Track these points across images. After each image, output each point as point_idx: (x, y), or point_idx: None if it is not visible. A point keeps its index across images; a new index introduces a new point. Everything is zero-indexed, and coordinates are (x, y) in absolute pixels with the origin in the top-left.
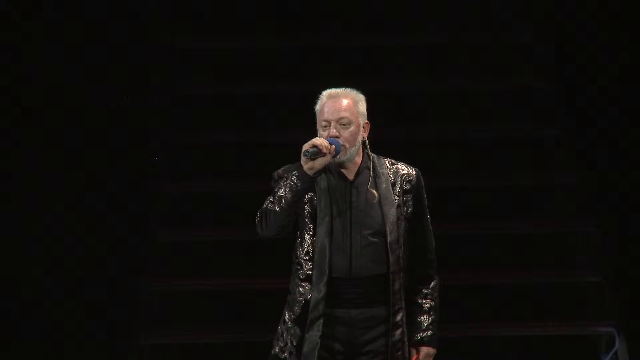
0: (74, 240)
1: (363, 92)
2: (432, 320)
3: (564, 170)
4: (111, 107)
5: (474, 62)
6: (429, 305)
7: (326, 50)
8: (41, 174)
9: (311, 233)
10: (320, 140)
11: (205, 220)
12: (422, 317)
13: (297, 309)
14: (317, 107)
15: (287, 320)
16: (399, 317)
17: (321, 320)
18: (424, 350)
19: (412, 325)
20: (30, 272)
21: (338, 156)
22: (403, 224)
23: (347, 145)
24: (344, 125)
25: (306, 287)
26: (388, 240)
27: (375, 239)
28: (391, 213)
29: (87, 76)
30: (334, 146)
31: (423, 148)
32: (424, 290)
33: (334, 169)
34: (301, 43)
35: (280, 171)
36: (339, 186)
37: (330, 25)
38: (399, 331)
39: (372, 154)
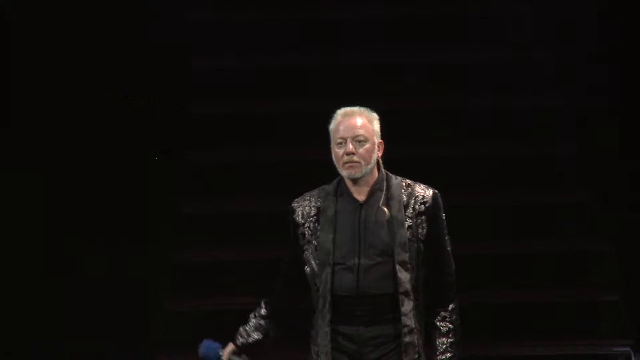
0: (91, 259)
1: (378, 111)
2: (450, 342)
3: (581, 189)
4: (132, 126)
5: (495, 80)
6: (446, 328)
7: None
8: (61, 196)
9: (315, 263)
10: None
11: (223, 240)
12: (440, 340)
13: (314, 335)
14: (332, 126)
15: (313, 355)
16: (409, 338)
17: (327, 345)
18: None
19: (432, 348)
20: (50, 291)
21: (353, 173)
22: (415, 245)
23: (363, 163)
24: (360, 142)
25: (318, 313)
26: (396, 261)
27: (382, 259)
28: (400, 234)
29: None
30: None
31: (443, 166)
32: (442, 313)
33: (345, 192)
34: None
35: (295, 204)
36: (349, 208)
37: (349, 43)
38: (412, 351)
39: (387, 174)
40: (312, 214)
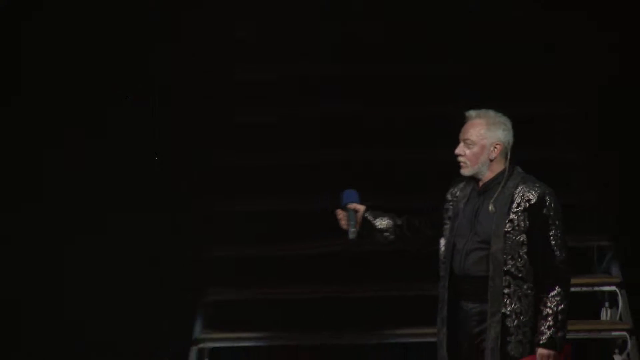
0: (127, 261)
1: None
2: (548, 325)
3: (585, 190)
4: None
5: (505, 89)
6: (546, 312)
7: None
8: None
9: (445, 241)
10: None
11: (253, 238)
12: (540, 322)
13: (439, 306)
14: None
15: (437, 317)
16: (497, 317)
17: (444, 315)
18: (539, 351)
19: (536, 329)
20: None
21: (462, 171)
22: (517, 237)
23: (469, 163)
24: (468, 144)
25: (441, 286)
26: (491, 249)
27: (481, 246)
28: (499, 226)
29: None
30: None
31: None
32: (544, 298)
33: (474, 182)
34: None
35: (453, 182)
36: (472, 196)
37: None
38: (497, 329)
39: (514, 171)
40: (456, 195)
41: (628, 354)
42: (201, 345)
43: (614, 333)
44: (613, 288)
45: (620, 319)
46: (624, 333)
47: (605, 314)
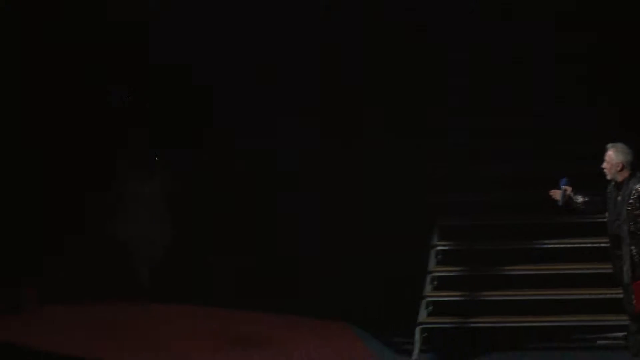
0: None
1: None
2: None
3: None
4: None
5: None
6: None
7: None
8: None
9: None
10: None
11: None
12: None
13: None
14: None
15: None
16: (628, 256)
17: (611, 255)
18: None
19: None
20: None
21: (606, 177)
22: (635, 212)
23: (607, 172)
24: (606, 162)
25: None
26: (621, 220)
27: (618, 218)
28: (624, 208)
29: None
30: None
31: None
32: None
33: (615, 183)
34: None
35: (609, 183)
36: (614, 191)
37: None
38: (628, 263)
39: (636, 175)
40: (609, 190)
41: None
42: (436, 249)
43: None
44: None
45: None
46: None
47: None
